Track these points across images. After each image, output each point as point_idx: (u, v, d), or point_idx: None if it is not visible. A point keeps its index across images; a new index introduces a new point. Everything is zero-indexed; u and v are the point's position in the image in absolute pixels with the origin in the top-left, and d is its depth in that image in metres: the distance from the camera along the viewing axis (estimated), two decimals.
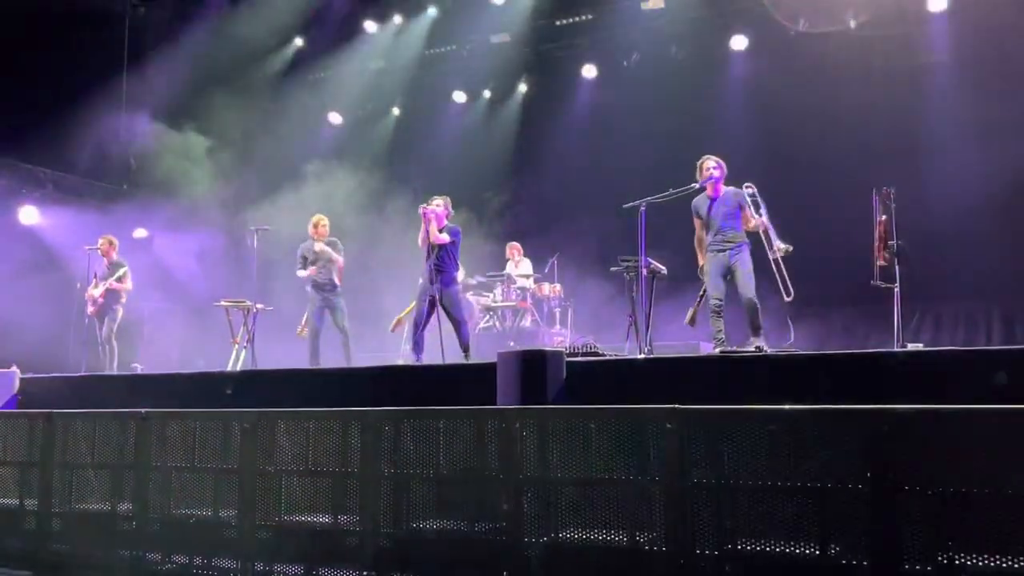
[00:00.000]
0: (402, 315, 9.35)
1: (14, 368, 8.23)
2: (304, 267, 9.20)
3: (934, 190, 9.78)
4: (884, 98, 10.96)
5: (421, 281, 8.28)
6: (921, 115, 10.53)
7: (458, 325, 8.09)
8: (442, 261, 8.09)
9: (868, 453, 3.37)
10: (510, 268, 11.61)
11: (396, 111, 15.16)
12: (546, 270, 11.68)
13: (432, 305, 8.03)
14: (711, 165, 7.33)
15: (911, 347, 6.17)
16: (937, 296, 9.16)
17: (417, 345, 8.10)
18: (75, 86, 12.37)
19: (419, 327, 8.11)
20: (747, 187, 7.28)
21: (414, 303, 8.53)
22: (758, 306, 7.06)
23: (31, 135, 12.64)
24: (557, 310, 11.57)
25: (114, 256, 10.35)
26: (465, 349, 8.09)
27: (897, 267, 6.35)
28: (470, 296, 11.70)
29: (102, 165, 14.30)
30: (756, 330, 7.04)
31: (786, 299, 6.99)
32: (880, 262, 6.46)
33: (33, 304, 12.01)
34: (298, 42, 14.80)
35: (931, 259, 8.88)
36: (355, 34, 14.40)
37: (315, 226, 9.28)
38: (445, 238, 8.07)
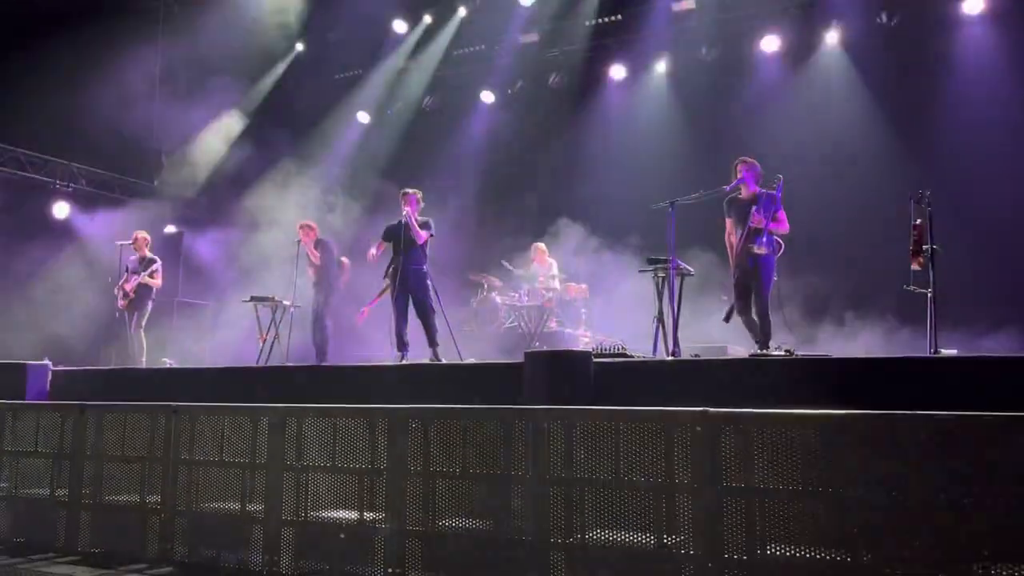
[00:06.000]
0: (367, 306, 9.24)
1: (46, 361, 8.34)
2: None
3: (971, 194, 9.62)
4: (920, 100, 10.81)
5: (391, 275, 8.29)
6: (957, 118, 10.36)
7: (429, 317, 8.17)
8: (418, 253, 8.21)
9: (903, 460, 3.31)
10: (535, 269, 11.58)
11: (424, 110, 15.20)
12: (573, 270, 11.63)
13: (407, 298, 8.17)
14: (740, 167, 7.30)
15: (945, 353, 6.07)
16: (972, 302, 9.00)
17: (404, 344, 8.13)
18: (109, 83, 12.52)
19: (404, 323, 8.19)
20: (776, 180, 7.17)
21: (380, 294, 8.50)
22: (768, 313, 7.00)
23: (64, 131, 12.82)
24: (583, 311, 11.52)
25: (146, 251, 10.48)
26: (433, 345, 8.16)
27: (932, 272, 6.25)
28: (495, 296, 11.70)
29: (134, 161, 14.48)
30: (764, 340, 6.97)
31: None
32: (915, 267, 6.35)
33: (64, 298, 12.20)
34: (329, 40, 14.90)
35: (967, 264, 8.74)
36: (384, 34, 14.46)
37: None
38: (425, 234, 8.24)
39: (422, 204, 8.43)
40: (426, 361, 7.96)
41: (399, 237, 8.20)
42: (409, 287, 8.14)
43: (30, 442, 5.70)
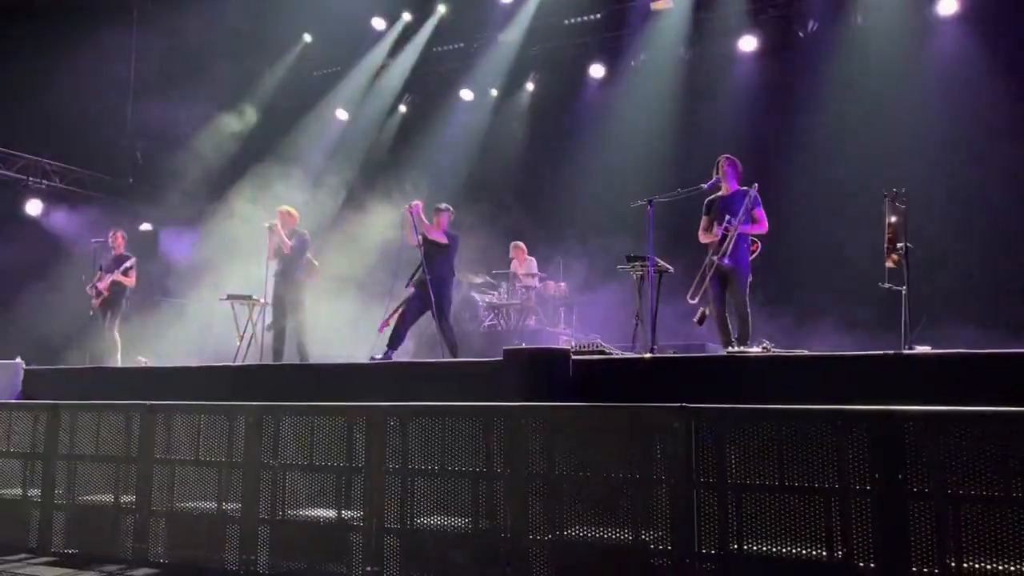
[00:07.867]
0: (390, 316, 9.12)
1: (18, 360, 8.23)
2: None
3: (944, 192, 9.75)
4: (894, 100, 10.92)
5: (416, 283, 8.25)
6: (932, 117, 10.48)
7: (447, 323, 8.18)
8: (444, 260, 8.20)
9: (876, 454, 3.35)
10: (515, 268, 11.58)
11: (403, 108, 15.18)
12: (551, 269, 11.65)
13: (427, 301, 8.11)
14: (724, 164, 7.32)
15: (919, 349, 6.13)
16: (946, 299, 9.11)
17: (398, 343, 8.10)
18: (82, 79, 12.36)
19: (410, 324, 8.18)
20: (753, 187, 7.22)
21: (401, 305, 8.37)
22: (748, 314, 6.99)
23: (38, 127, 12.65)
24: (562, 309, 11.54)
25: (121, 249, 10.37)
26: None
27: (906, 270, 6.31)
28: (475, 295, 11.69)
29: (108, 158, 14.32)
30: (742, 339, 6.96)
31: (689, 300, 7.05)
32: (889, 264, 6.42)
33: (37, 296, 12.03)
34: (306, 38, 14.82)
35: (941, 262, 8.84)
36: (363, 31, 14.41)
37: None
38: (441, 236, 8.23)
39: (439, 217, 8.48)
40: (407, 360, 7.93)
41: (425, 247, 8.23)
42: (435, 292, 8.11)
43: (2, 442, 5.63)
